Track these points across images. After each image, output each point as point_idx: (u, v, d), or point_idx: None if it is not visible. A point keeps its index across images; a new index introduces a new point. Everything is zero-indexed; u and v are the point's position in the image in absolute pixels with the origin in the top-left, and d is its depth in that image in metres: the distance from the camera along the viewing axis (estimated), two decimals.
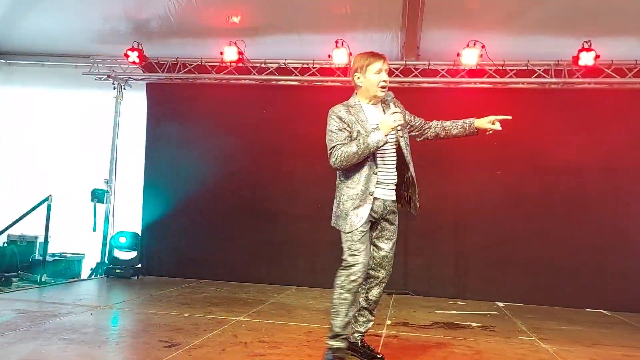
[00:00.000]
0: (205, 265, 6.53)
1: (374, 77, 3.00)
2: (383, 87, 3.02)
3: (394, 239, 3.20)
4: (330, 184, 6.70)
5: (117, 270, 6.42)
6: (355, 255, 2.94)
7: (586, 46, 5.67)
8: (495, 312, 5.28)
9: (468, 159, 6.13)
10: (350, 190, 3.01)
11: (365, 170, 2.99)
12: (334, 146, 2.95)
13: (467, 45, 5.89)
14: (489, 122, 3.21)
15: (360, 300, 3.17)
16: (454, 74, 6.24)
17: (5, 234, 6.44)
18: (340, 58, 6.18)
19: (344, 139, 2.95)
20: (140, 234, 6.69)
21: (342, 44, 6.12)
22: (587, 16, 5.52)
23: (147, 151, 6.85)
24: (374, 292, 3.18)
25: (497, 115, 3.16)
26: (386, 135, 2.89)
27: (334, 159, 2.95)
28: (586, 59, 5.70)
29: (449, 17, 5.75)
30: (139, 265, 6.56)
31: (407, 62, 6.28)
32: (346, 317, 2.94)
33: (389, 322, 4.44)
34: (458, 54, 5.97)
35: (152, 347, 3.30)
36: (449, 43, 6.00)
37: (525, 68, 6.09)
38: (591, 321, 5.11)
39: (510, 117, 3.15)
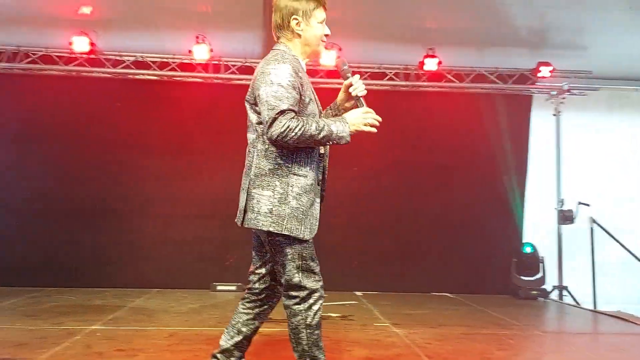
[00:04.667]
0: (51, 271, 6.01)
1: (318, 28, 2.28)
2: (323, 43, 2.37)
3: None
4: (186, 182, 6.61)
5: None
6: (314, 275, 2.28)
7: (430, 53, 6.24)
8: (354, 302, 5.61)
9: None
10: (301, 179, 2.18)
11: (315, 149, 2.24)
12: (286, 110, 2.04)
13: (326, 48, 6.14)
14: (344, 93, 2.40)
15: (243, 327, 2.36)
16: (314, 74, 6.48)
17: None
18: (201, 54, 6.10)
19: (295, 105, 2.10)
20: None
21: (203, 40, 6.04)
22: (431, 28, 6.06)
23: None
24: (263, 317, 2.43)
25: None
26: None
27: (283, 130, 2.02)
28: (430, 65, 6.27)
29: None
30: None
31: None
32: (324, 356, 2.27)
33: None
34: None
35: None
36: None
37: (379, 71, 6.54)
38: (437, 304, 5.66)
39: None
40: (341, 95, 2.38)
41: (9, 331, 3.88)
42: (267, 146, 2.16)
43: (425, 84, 6.59)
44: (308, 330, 2.20)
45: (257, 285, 2.39)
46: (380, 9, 5.73)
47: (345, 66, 2.31)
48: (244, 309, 2.39)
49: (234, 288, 5.99)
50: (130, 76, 6.38)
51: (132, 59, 6.32)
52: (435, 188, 6.57)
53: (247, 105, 2.31)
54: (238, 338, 2.35)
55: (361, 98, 2.29)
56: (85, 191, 6.22)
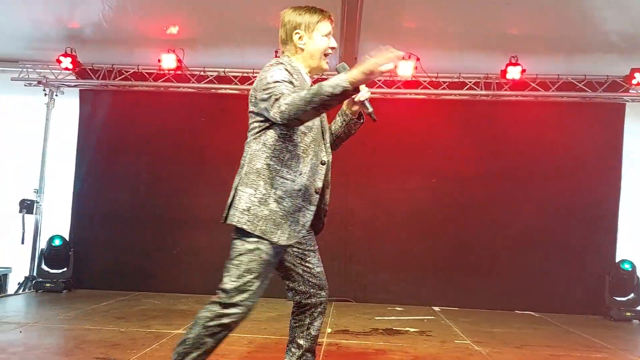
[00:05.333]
0: (140, 276, 6.35)
1: (322, 41, 2.26)
2: (327, 57, 2.32)
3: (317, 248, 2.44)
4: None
5: (46, 284, 6.13)
6: (248, 291, 2.10)
7: (513, 61, 6.02)
8: (432, 317, 5.47)
9: (398, 164, 6.37)
10: (287, 182, 2.13)
11: (310, 155, 2.20)
12: (282, 94, 2.00)
13: (403, 58, 6.11)
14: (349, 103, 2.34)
15: (300, 340, 2.38)
16: (390, 85, 6.44)
17: None
18: None
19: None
20: (70, 248, 6.40)
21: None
22: (514, 35, 5.85)
23: (77, 159, 6.62)
24: (317, 325, 2.40)
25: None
26: (356, 84, 1.89)
27: (281, 107, 1.96)
28: (513, 73, 6.04)
29: (385, 32, 5.92)
30: (70, 279, 6.28)
31: None
32: None
33: (329, 330, 4.51)
34: (395, 66, 6.16)
35: None
36: None
37: (457, 80, 6.38)
38: (521, 323, 5.39)
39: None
40: (346, 101, 2.28)
41: (104, 332, 4.14)
42: (260, 146, 2.17)
43: (507, 93, 6.34)
44: (200, 329, 2.12)
45: (297, 298, 2.40)
46: (459, 17, 5.61)
47: (344, 70, 2.13)
48: (295, 322, 2.42)
49: None
50: (214, 90, 6.65)
51: (215, 74, 6.59)
52: (520, 200, 6.28)
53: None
54: (299, 352, 2.38)
55: (366, 102, 2.20)
56: (171, 200, 6.50)
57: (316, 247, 2.41)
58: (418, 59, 6.06)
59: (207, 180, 6.45)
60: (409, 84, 6.38)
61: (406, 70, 6.12)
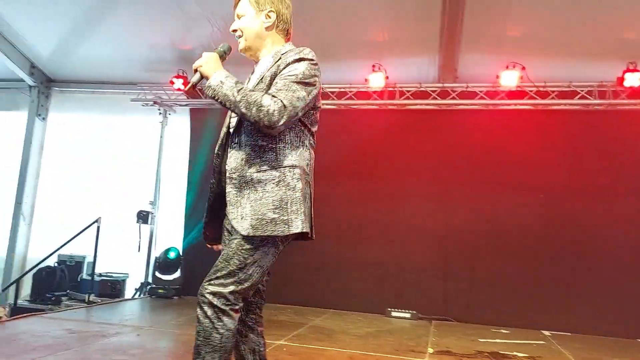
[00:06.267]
0: None
1: None
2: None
3: None
4: (367, 206, 6.59)
5: (159, 290, 6.58)
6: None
7: (631, 67, 5.55)
8: (542, 342, 5.12)
9: (503, 179, 6.07)
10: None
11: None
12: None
13: (507, 67, 5.86)
14: None
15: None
16: (493, 96, 6.20)
17: (55, 254, 6.71)
18: (376, 82, 6.26)
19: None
20: (181, 256, 6.84)
21: (379, 68, 6.20)
22: (632, 40, 5.41)
23: (189, 174, 7.05)
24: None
25: None
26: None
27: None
28: (631, 80, 5.57)
29: (488, 42, 5.74)
30: (180, 286, 6.69)
31: (445, 85, 6.29)
32: None
33: (430, 350, 4.39)
34: (497, 76, 5.95)
35: None
36: (487, 66, 5.99)
37: (568, 89, 5.99)
38: None
39: None
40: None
41: None
42: None
43: (625, 101, 5.83)
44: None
45: None
46: (568, 22, 5.31)
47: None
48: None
49: (408, 315, 5.93)
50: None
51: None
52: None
53: None
54: None
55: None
56: None
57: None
58: (523, 68, 5.78)
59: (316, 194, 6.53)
60: (513, 94, 6.10)
61: (510, 80, 5.86)
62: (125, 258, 7.07)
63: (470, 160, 6.11)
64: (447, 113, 6.40)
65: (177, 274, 6.75)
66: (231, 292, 2.00)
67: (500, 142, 6.07)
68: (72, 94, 7.69)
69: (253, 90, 2.05)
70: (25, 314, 5.09)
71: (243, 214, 2.04)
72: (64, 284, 6.71)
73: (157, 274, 6.77)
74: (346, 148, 6.46)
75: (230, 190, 2.11)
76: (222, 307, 1.99)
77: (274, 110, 1.98)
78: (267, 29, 2.27)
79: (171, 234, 7.00)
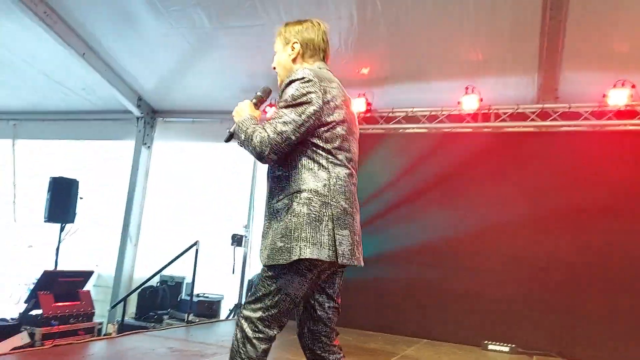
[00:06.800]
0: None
1: None
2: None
3: None
4: (464, 233, 6.32)
5: None
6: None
7: None
8: None
9: (613, 205, 5.62)
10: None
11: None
12: None
13: (614, 86, 5.47)
14: None
15: None
16: (599, 116, 5.79)
17: (158, 275, 7.12)
18: (470, 104, 6.08)
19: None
20: None
21: (473, 90, 6.03)
22: None
23: None
24: None
25: None
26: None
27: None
28: None
29: (593, 58, 5.40)
30: None
31: (545, 105, 5.96)
32: None
33: None
34: (604, 95, 5.56)
35: None
36: (592, 84, 5.62)
37: None
38: None
39: None
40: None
41: None
42: None
43: None
44: None
45: None
46: None
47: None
48: None
49: (506, 349, 5.59)
50: (401, 130, 6.73)
51: (402, 114, 6.66)
52: None
53: None
54: None
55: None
56: (367, 239, 6.59)
57: None
58: (633, 86, 5.36)
59: (407, 219, 6.43)
60: (622, 114, 5.66)
61: (619, 98, 5.45)
62: (220, 280, 7.34)
63: (574, 186, 5.72)
64: (547, 136, 6.05)
65: None
66: (259, 319, 2.06)
67: (607, 166, 5.63)
68: (174, 123, 8.21)
69: (255, 126, 2.13)
70: (131, 331, 5.43)
71: (266, 244, 2.12)
72: (165, 303, 7.09)
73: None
74: (437, 173, 6.32)
75: (264, 222, 2.19)
76: (249, 334, 2.05)
77: (257, 142, 2.05)
78: (293, 60, 2.35)
79: None
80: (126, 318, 6.65)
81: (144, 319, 6.71)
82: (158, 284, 7.21)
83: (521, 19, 5.23)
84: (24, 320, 4.80)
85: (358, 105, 6.52)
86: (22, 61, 7.21)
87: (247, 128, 2.13)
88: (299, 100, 2.09)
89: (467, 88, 6.05)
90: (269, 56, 2.54)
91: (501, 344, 5.68)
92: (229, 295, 7.31)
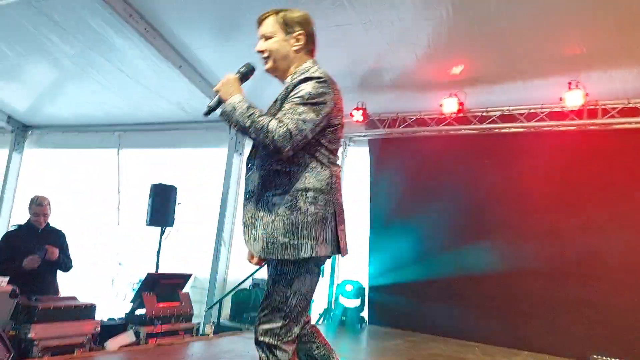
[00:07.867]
0: (428, 319, 6.35)
1: None
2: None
3: None
4: (565, 238, 5.92)
5: (342, 318, 6.71)
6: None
7: None
8: None
9: None
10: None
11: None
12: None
13: None
14: None
15: None
16: None
17: (250, 278, 7.28)
18: (574, 100, 5.66)
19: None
20: (363, 285, 6.90)
21: (577, 85, 5.61)
22: None
23: (371, 205, 7.08)
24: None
25: None
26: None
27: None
28: None
29: None
30: (363, 314, 6.75)
31: None
32: None
33: None
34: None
35: None
36: None
37: None
38: None
39: None
40: None
41: None
42: None
43: None
44: None
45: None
46: None
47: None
48: None
49: None
50: (497, 130, 6.41)
51: (498, 113, 6.37)
52: None
53: None
54: None
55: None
56: (463, 246, 6.29)
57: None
58: None
59: (498, 224, 6.15)
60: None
61: None
62: None
63: (620, 186, 5.21)
64: None
65: (358, 303, 6.82)
66: (281, 327, 2.09)
67: None
68: None
69: (263, 115, 2.06)
70: (227, 333, 5.59)
71: (256, 236, 2.12)
72: (257, 305, 7.22)
73: (340, 301, 6.94)
74: (539, 175, 5.94)
75: (246, 212, 2.20)
76: (275, 342, 2.08)
77: (279, 136, 1.99)
78: (296, 51, 2.26)
79: (354, 263, 7.11)
80: (221, 319, 6.86)
81: (238, 321, 6.89)
82: (250, 287, 7.38)
83: (627, 8, 4.77)
84: (130, 319, 5.09)
85: (450, 106, 6.30)
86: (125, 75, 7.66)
87: (255, 115, 2.06)
88: (316, 100, 2.09)
89: (570, 83, 5.64)
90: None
91: (611, 358, 5.22)
92: (319, 299, 7.33)
